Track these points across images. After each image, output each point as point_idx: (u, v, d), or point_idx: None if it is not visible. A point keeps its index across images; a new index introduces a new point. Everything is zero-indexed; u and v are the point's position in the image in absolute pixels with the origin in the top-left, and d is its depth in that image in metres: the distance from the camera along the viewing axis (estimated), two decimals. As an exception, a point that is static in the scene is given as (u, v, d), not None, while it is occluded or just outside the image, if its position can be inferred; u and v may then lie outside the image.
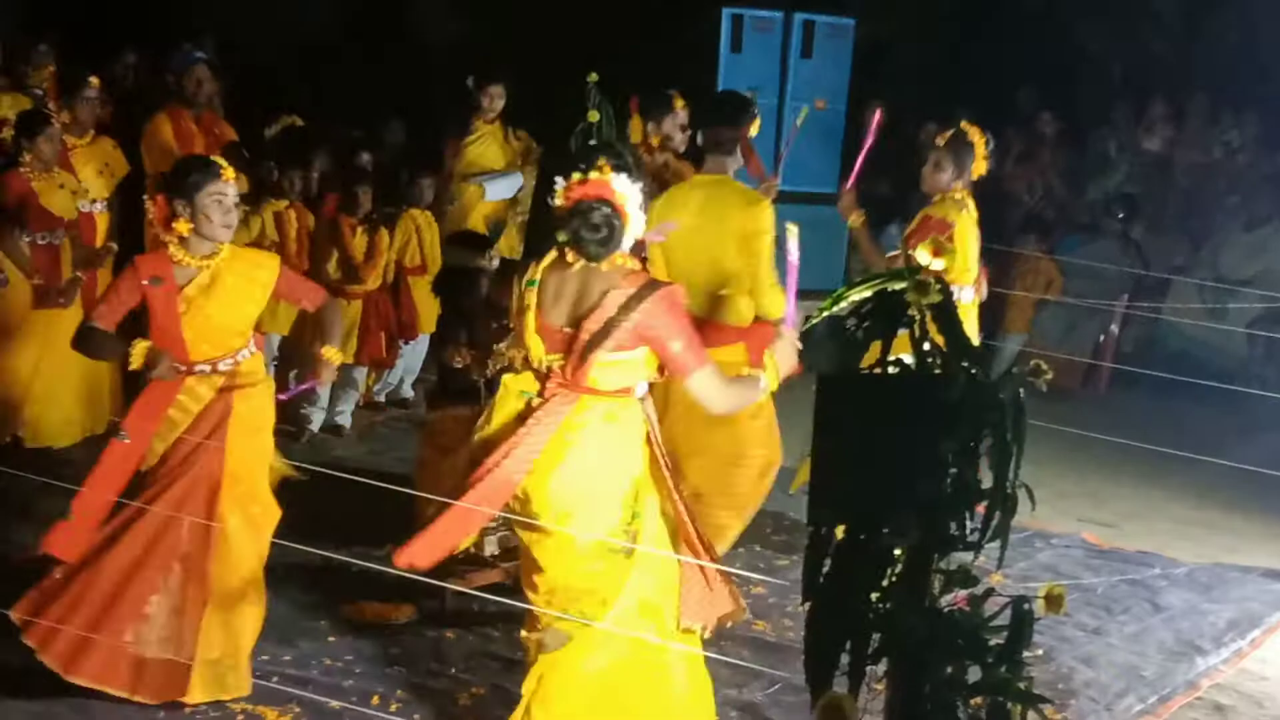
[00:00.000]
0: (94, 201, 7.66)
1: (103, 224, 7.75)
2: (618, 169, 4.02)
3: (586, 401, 4.14)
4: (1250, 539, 7.46)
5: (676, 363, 4.09)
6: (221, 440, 4.84)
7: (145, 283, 4.74)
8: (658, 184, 6.14)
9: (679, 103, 7.42)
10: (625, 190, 4.03)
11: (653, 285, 4.08)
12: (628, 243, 4.10)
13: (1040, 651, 5.70)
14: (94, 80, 7.89)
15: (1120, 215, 10.72)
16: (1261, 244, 10.42)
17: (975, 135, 6.62)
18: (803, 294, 4.10)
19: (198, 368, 4.84)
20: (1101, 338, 10.36)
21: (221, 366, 4.88)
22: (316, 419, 8.17)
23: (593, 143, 7.82)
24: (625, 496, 4.18)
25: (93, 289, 7.61)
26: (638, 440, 4.24)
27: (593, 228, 3.98)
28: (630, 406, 4.21)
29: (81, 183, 7.56)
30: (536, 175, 9.94)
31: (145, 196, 7.86)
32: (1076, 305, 10.21)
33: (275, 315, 8.00)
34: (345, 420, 8.29)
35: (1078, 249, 10.78)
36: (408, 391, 8.94)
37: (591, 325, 4.03)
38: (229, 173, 4.83)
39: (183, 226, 4.73)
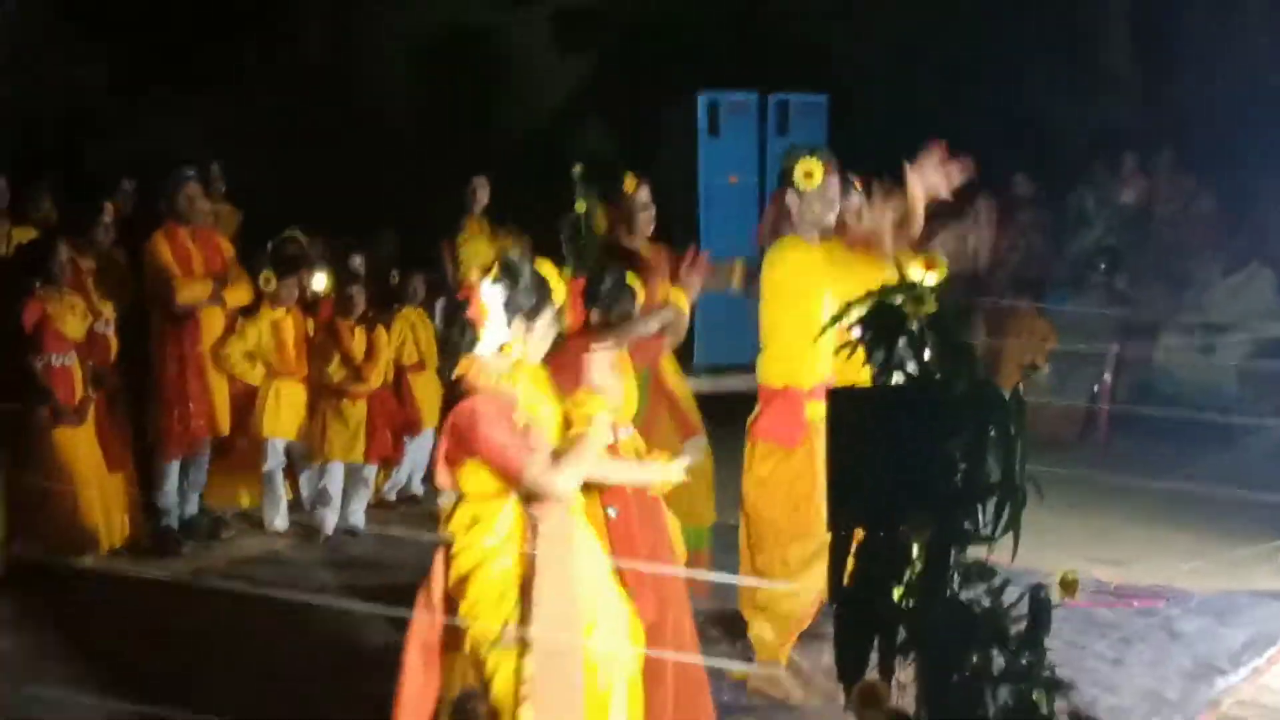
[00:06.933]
0: (107, 323, 7.83)
1: (115, 344, 7.91)
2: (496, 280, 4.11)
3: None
4: (1257, 565, 7.54)
5: None
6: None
7: None
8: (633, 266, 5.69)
9: (630, 185, 6.89)
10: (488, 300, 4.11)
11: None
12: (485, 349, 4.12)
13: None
14: (110, 205, 8.12)
15: (1103, 267, 10.93)
16: (1241, 287, 10.64)
17: None
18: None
19: None
20: (1096, 387, 10.51)
21: None
22: (330, 522, 8.24)
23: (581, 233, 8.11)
24: (496, 579, 4.04)
25: (103, 407, 7.76)
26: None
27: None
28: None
29: (96, 304, 7.74)
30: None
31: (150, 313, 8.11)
32: (1068, 358, 10.37)
33: (279, 419, 8.16)
34: (359, 521, 8.38)
35: (1065, 303, 10.97)
36: (418, 487, 9.05)
37: None
38: None
39: None
